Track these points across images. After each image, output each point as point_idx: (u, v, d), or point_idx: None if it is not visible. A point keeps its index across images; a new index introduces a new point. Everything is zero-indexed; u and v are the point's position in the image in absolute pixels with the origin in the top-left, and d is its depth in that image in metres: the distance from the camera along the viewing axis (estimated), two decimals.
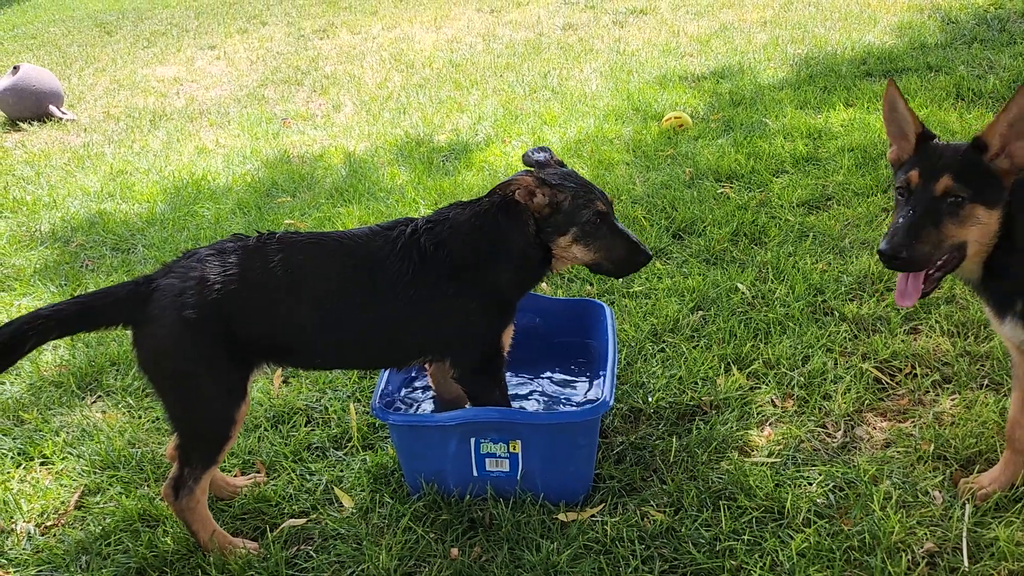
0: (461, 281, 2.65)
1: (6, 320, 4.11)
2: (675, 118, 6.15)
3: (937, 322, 3.47)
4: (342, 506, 2.84)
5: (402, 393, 3.15)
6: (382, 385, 2.87)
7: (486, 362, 2.76)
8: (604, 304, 3.28)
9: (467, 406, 2.83)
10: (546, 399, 3.16)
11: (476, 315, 2.70)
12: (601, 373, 3.17)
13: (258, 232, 2.66)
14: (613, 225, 2.70)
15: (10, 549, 2.75)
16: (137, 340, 2.49)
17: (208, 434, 2.52)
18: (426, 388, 3.18)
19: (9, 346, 2.41)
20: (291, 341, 2.61)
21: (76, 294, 4.37)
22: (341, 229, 4.81)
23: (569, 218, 2.65)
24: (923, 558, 2.42)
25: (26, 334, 2.42)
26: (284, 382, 3.51)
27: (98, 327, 2.53)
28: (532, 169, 2.78)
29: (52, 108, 8.07)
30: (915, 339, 3.42)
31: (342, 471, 2.99)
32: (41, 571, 2.65)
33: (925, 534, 2.50)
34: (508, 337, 2.79)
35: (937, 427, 2.92)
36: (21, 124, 7.95)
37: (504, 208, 2.67)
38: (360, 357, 2.83)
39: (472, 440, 2.70)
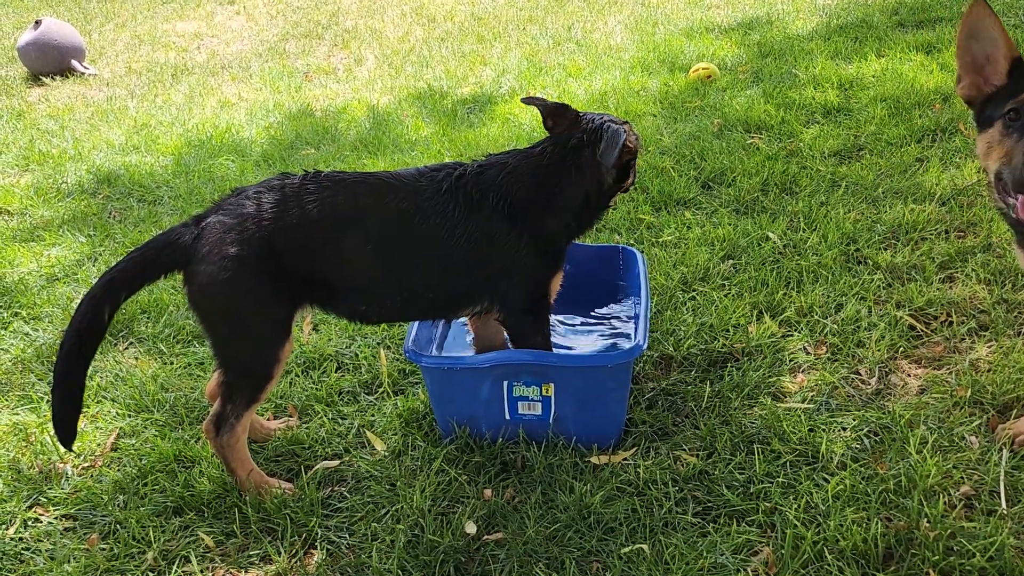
0: (515, 227, 2.64)
1: (39, 267, 4.16)
2: (703, 69, 6.06)
3: (973, 270, 3.42)
4: (374, 449, 2.85)
5: (436, 336, 3.14)
6: (415, 328, 2.87)
7: (533, 304, 2.74)
8: (636, 250, 3.25)
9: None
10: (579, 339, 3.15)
11: (528, 260, 2.68)
12: (631, 317, 3.16)
13: (304, 170, 2.65)
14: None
15: (49, 489, 2.79)
16: (188, 277, 2.50)
17: (253, 371, 2.54)
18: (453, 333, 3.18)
19: (93, 323, 2.46)
20: (335, 279, 2.60)
21: (103, 245, 4.40)
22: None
23: (631, 162, 2.74)
24: (960, 500, 2.41)
25: (102, 305, 2.46)
26: (314, 329, 3.52)
27: (160, 275, 2.54)
28: (556, 111, 2.75)
29: (74, 63, 8.05)
30: (951, 287, 3.37)
31: (373, 415, 3.01)
32: (80, 509, 2.69)
33: (962, 477, 2.48)
34: (557, 283, 2.77)
35: (973, 374, 2.89)
36: (43, 78, 7.94)
37: (581, 152, 2.66)
38: (407, 305, 2.75)
39: (505, 383, 2.70)
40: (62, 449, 2.95)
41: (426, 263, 2.65)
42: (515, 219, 2.63)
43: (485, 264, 2.66)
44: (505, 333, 2.90)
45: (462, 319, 3.02)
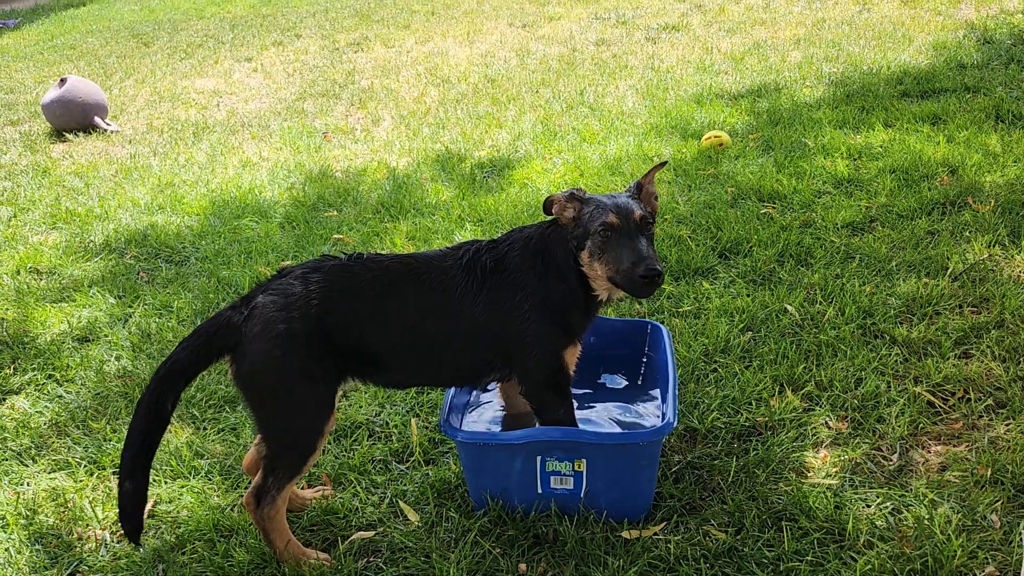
0: (519, 295, 2.76)
1: (70, 328, 4.25)
2: (715, 137, 6.21)
3: (988, 347, 3.51)
4: (408, 520, 2.91)
5: (469, 404, 3.22)
6: (449, 400, 2.95)
7: (551, 378, 2.84)
8: (661, 324, 3.34)
9: (536, 423, 2.90)
10: (607, 417, 3.22)
11: (536, 329, 2.78)
12: (654, 393, 3.24)
13: (344, 253, 2.79)
14: (624, 239, 2.64)
15: (87, 556, 2.85)
16: (238, 356, 2.59)
17: (297, 445, 2.62)
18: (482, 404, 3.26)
19: (157, 416, 2.58)
20: (379, 355, 2.75)
21: (134, 307, 4.49)
22: (391, 245, 4.92)
23: (585, 231, 2.70)
24: None
25: (164, 399, 2.58)
26: (344, 396, 3.60)
27: (215, 360, 2.65)
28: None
29: (97, 119, 8.23)
30: (967, 363, 3.46)
31: (406, 485, 3.07)
32: None
33: (987, 558, 2.54)
34: (573, 358, 2.86)
35: (993, 452, 2.96)
36: (67, 135, 8.11)
37: (553, 225, 2.82)
38: (438, 372, 2.91)
39: (538, 458, 2.77)
40: (100, 515, 3.01)
41: (453, 334, 2.80)
42: (516, 288, 2.77)
43: (500, 334, 2.79)
44: None
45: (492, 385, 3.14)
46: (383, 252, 2.98)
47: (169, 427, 3.42)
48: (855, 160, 5.65)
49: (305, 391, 2.61)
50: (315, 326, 2.59)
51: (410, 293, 2.75)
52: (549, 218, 2.84)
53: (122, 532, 2.92)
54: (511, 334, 2.78)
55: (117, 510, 2.97)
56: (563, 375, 2.86)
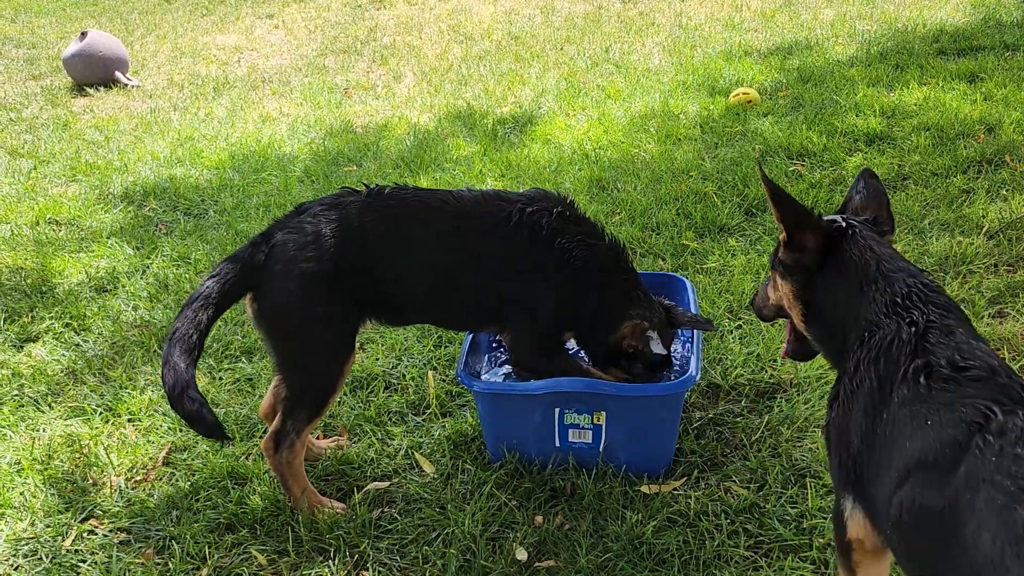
0: (545, 268, 2.72)
1: (88, 278, 4.22)
2: (743, 94, 6.06)
3: None
4: (423, 471, 2.87)
5: (485, 360, 3.15)
6: (466, 350, 2.89)
7: (541, 342, 2.82)
8: (685, 278, 3.26)
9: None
10: None
11: (543, 297, 2.75)
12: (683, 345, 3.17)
13: (366, 186, 2.70)
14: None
15: (102, 501, 2.83)
16: (259, 295, 2.54)
17: (316, 387, 2.58)
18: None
19: (195, 346, 2.46)
20: (399, 294, 2.70)
21: (152, 258, 4.46)
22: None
23: (632, 359, 2.85)
24: None
25: (196, 330, 2.46)
26: (361, 348, 3.55)
27: (240, 296, 2.58)
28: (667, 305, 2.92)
29: (118, 74, 8.18)
30: (1001, 323, 3.35)
31: (422, 437, 3.03)
32: (134, 523, 2.73)
33: None
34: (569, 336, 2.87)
35: None
36: (88, 89, 8.08)
37: (602, 283, 2.80)
38: (450, 313, 2.88)
39: (556, 410, 2.71)
40: (115, 461, 3.00)
41: (470, 282, 2.75)
42: (545, 263, 2.73)
43: (515, 292, 2.75)
44: None
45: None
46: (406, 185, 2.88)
47: None
48: (888, 118, 5.48)
49: (322, 333, 2.56)
50: (331, 266, 2.52)
51: (437, 233, 2.68)
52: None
53: (136, 479, 2.92)
54: (522, 294, 2.74)
55: (130, 458, 2.97)
56: (552, 341, 2.85)
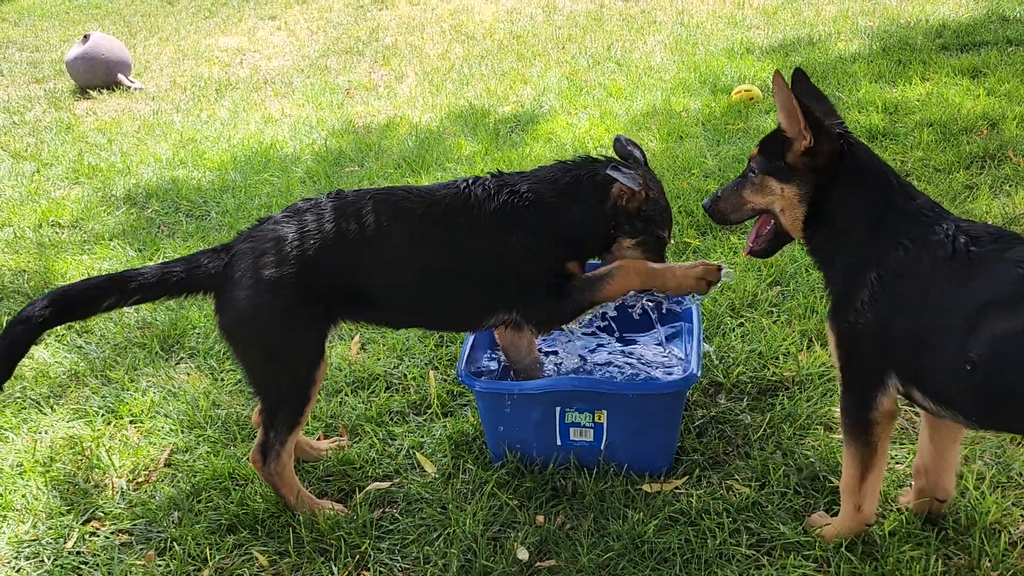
0: (525, 233, 2.64)
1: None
2: (745, 91, 6.04)
3: None
4: (425, 471, 2.87)
5: (484, 360, 3.15)
6: (467, 351, 2.88)
7: (554, 286, 2.69)
8: None
9: (543, 375, 2.84)
10: (628, 369, 3.15)
11: (534, 264, 2.67)
12: (684, 343, 3.16)
13: (327, 193, 2.69)
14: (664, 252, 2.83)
15: (104, 503, 2.84)
16: (219, 306, 2.53)
17: (289, 396, 2.55)
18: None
19: (88, 298, 2.47)
20: (369, 292, 2.63)
21: (154, 259, 4.46)
22: None
23: (642, 229, 2.73)
24: (1020, 539, 2.38)
25: (107, 291, 2.48)
26: (362, 348, 3.55)
27: (180, 294, 2.57)
28: (620, 160, 2.82)
29: (121, 77, 8.19)
30: None
31: (423, 437, 3.02)
32: (135, 524, 2.73)
33: (1021, 515, 2.45)
34: (578, 269, 2.76)
35: None
36: (91, 92, 8.09)
37: (595, 186, 2.69)
38: (435, 312, 2.78)
39: (557, 409, 2.70)
40: (117, 463, 3.00)
41: (451, 271, 2.67)
42: (523, 227, 2.66)
43: (501, 269, 2.66)
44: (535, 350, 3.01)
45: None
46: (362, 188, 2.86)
47: (186, 377, 3.42)
48: (891, 114, 5.46)
49: (287, 341, 2.53)
50: (292, 271, 2.47)
51: (403, 226, 2.60)
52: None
53: (138, 480, 2.92)
54: (512, 270, 2.66)
55: (132, 460, 2.97)
56: (566, 279, 2.69)
